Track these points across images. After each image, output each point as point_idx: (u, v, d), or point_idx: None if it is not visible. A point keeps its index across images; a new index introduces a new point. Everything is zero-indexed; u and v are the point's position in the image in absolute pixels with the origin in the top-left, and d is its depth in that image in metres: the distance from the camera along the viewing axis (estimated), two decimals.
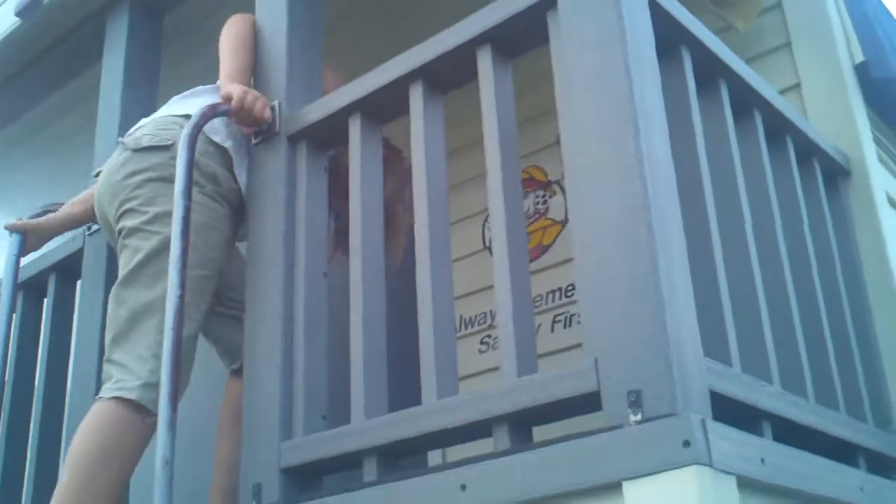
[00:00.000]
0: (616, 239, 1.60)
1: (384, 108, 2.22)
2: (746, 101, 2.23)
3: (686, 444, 1.39)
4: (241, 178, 2.39)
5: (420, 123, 2.06)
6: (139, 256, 2.20)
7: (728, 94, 2.14)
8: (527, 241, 1.91)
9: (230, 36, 2.48)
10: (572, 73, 1.78)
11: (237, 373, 2.46)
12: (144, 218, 2.23)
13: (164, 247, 2.15)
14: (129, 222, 2.25)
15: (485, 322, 3.58)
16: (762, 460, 1.55)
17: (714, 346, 1.72)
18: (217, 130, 2.37)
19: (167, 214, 2.16)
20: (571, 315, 3.34)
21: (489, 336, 3.55)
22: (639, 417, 1.46)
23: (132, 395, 2.07)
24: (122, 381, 2.09)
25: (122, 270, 2.23)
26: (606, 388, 1.53)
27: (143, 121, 2.44)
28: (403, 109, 2.14)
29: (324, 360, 2.14)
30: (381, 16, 3.63)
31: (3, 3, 3.63)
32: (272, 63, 2.48)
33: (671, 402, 1.44)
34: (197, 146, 2.20)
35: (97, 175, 2.53)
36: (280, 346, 2.12)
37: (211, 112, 2.25)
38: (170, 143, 2.28)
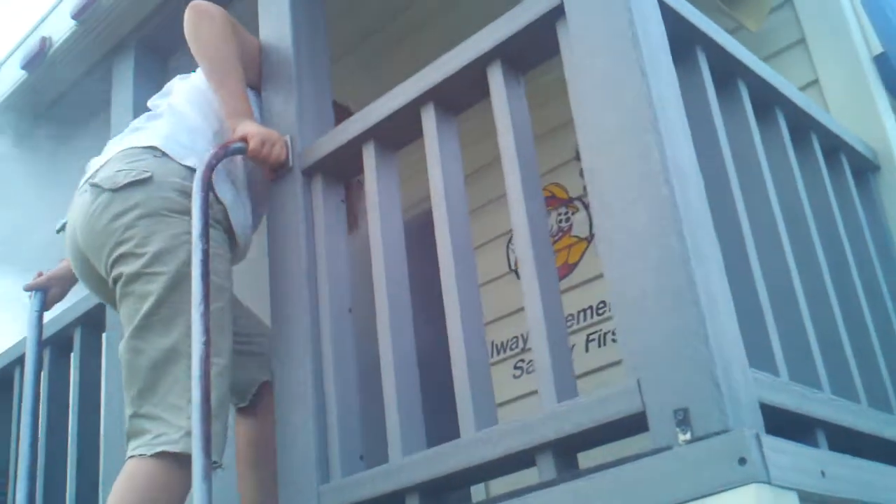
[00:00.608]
0: (647, 251, 1.54)
1: (397, 133, 2.18)
2: (767, 100, 2.17)
3: (742, 461, 1.32)
4: (224, 194, 2.27)
5: (435, 147, 2.02)
6: (149, 302, 2.07)
7: (748, 93, 2.08)
8: (554, 262, 1.86)
9: (212, 53, 2.35)
10: (587, 83, 1.73)
11: (246, 410, 2.39)
12: (144, 260, 2.09)
13: (171, 287, 2.07)
14: (127, 268, 2.10)
15: (517, 346, 3.51)
16: (822, 472, 1.47)
17: (758, 356, 1.65)
18: (188, 153, 2.24)
19: (166, 251, 2.09)
20: (605, 333, 3.27)
21: (522, 360, 3.49)
22: (688, 437, 1.40)
23: (177, 448, 1.95)
24: (162, 434, 1.98)
25: (132, 319, 2.09)
26: (652, 409, 1.46)
27: (100, 159, 2.27)
28: (417, 133, 2.10)
29: (356, 398, 2.09)
30: (388, 40, 3.61)
31: (8, 58, 3.64)
32: (281, 98, 2.44)
33: (721, 419, 1.37)
34: (173, 174, 2.16)
35: (62, 229, 2.36)
36: (311, 385, 2.07)
37: (223, 152, 2.20)
38: (148, 174, 2.15)
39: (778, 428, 1.48)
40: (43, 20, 3.41)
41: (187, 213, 2.10)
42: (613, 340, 3.24)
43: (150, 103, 2.45)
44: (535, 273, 1.74)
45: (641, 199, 1.57)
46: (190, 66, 2.48)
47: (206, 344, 1.94)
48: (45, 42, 3.33)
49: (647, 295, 1.53)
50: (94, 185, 2.19)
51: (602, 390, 1.55)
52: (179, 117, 2.32)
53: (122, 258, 2.12)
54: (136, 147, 2.24)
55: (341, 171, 2.31)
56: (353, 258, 2.28)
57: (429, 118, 2.04)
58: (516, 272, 3.67)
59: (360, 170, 2.20)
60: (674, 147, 1.60)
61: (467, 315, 1.85)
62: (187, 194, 2.13)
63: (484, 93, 1.97)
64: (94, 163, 2.29)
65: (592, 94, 1.70)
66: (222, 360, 2.09)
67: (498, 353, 3.55)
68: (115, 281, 2.13)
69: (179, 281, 2.07)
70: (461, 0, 3.30)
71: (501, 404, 3.24)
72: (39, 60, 3.37)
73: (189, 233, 2.06)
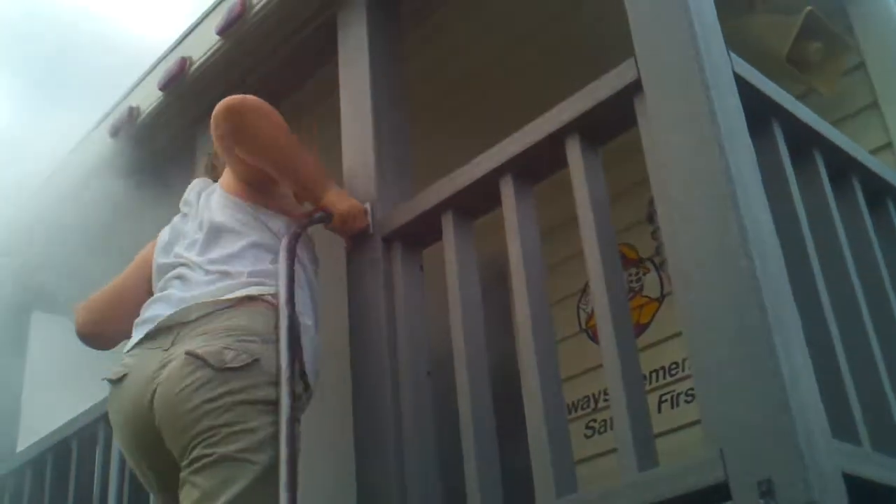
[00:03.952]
0: (728, 323, 1.57)
1: (476, 202, 2.24)
2: (843, 168, 2.19)
3: None
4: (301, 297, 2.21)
5: (513, 217, 2.07)
6: (233, 490, 1.92)
7: (823, 162, 2.10)
8: (632, 329, 1.89)
9: (282, 141, 2.27)
10: (665, 157, 1.77)
11: None
12: (236, 447, 1.95)
13: (261, 478, 1.94)
14: (216, 450, 1.95)
15: (589, 406, 3.52)
16: None
17: (839, 425, 1.66)
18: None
19: (261, 443, 1.96)
20: (678, 394, 3.27)
21: (594, 420, 3.50)
22: None
23: None
24: None
25: (211, 501, 1.93)
26: (735, 479, 1.48)
27: (186, 311, 2.13)
28: (495, 203, 2.15)
29: (436, 465, 2.12)
30: (462, 104, 3.69)
31: (97, 126, 3.79)
32: (361, 166, 2.53)
33: (806, 490, 1.39)
34: (268, 371, 2.04)
35: (118, 381, 2.15)
36: (392, 452, 2.11)
37: (308, 221, 2.29)
38: (256, 359, 2.04)
39: (861, 499, 1.48)
40: (132, 90, 3.56)
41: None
42: (686, 401, 3.24)
43: (189, 217, 2.39)
44: (614, 342, 1.77)
45: (721, 271, 1.60)
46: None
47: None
48: (133, 112, 3.48)
49: (729, 365, 1.55)
50: (195, 356, 2.02)
51: (683, 460, 1.57)
52: (264, 275, 2.20)
53: (211, 441, 1.96)
54: (245, 323, 2.09)
55: (420, 238, 2.38)
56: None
57: (507, 189, 2.10)
58: (587, 331, 3.70)
59: (439, 237, 2.27)
60: (753, 220, 1.63)
61: (546, 382, 1.89)
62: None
63: (561, 164, 2.02)
64: (174, 303, 2.16)
65: (671, 168, 1.74)
66: None
67: (570, 412, 3.56)
68: (194, 461, 1.97)
69: (269, 474, 1.94)
70: (535, 67, 3.36)
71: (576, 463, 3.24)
72: (128, 127, 3.51)
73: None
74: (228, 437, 1.95)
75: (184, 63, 3.25)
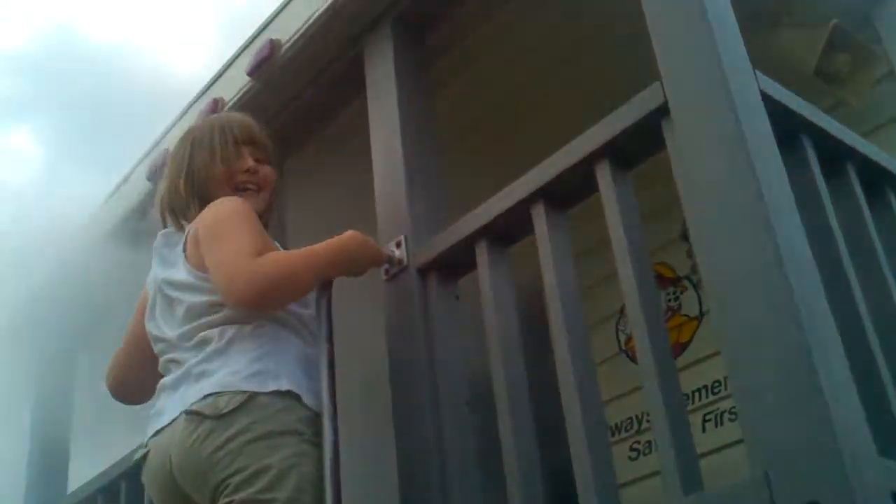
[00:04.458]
0: (767, 344, 1.56)
1: (508, 231, 2.25)
2: (876, 180, 2.18)
3: None
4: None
5: (547, 245, 2.08)
6: None
7: (856, 175, 2.09)
8: (671, 352, 1.88)
9: (302, 273, 2.15)
10: (695, 179, 1.78)
11: None
12: (255, 488, 1.94)
13: None
14: (237, 495, 1.95)
15: (632, 428, 3.51)
16: None
17: (886, 443, 1.64)
18: (277, 375, 2.07)
19: (277, 478, 1.95)
20: (722, 412, 3.25)
21: (638, 442, 3.48)
22: None
23: None
24: None
25: None
26: (780, 501, 1.47)
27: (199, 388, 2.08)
28: (528, 230, 2.16)
29: (480, 497, 2.13)
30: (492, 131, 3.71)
31: (134, 169, 3.85)
32: (394, 200, 2.55)
33: None
34: (267, 405, 2.02)
35: (142, 460, 2.18)
36: (437, 486, 2.12)
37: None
38: (251, 393, 2.02)
39: None
40: (167, 133, 3.62)
41: (295, 432, 2.02)
42: (731, 420, 3.22)
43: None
44: (653, 364, 1.76)
45: (758, 292, 1.60)
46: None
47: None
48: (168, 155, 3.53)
49: (769, 386, 1.54)
50: (193, 413, 2.03)
51: (729, 481, 1.57)
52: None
53: (230, 488, 1.96)
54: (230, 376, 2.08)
55: (454, 268, 2.39)
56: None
57: (539, 216, 2.11)
58: (626, 352, 3.69)
59: (474, 265, 2.28)
60: (786, 238, 1.63)
61: (587, 406, 1.89)
62: (291, 411, 2.05)
63: (592, 189, 2.03)
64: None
65: (702, 190, 1.75)
66: None
67: (613, 434, 3.55)
68: None
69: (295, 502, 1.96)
70: (561, 93, 3.39)
71: (620, 487, 3.23)
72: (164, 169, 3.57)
73: (298, 454, 2.00)
74: (244, 483, 1.95)
75: (215, 104, 3.30)
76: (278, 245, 2.31)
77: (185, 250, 2.24)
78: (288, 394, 2.04)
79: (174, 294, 2.22)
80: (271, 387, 2.03)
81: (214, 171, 2.33)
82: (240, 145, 2.37)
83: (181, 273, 2.22)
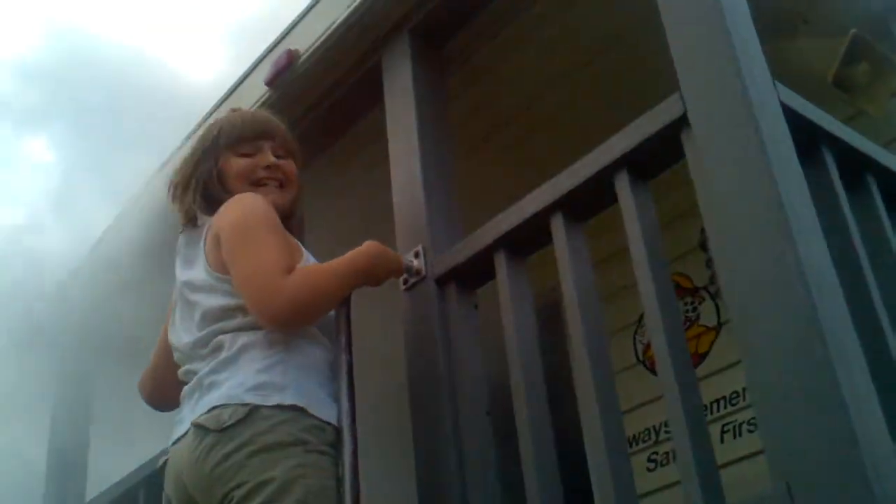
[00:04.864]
0: (788, 356, 1.56)
1: (527, 241, 2.25)
2: None
3: None
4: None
5: (565, 255, 2.08)
6: None
7: (877, 186, 2.08)
8: (691, 361, 1.88)
9: (331, 289, 2.15)
10: (715, 190, 1.77)
11: None
12: (260, 500, 1.92)
13: None
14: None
15: (650, 438, 3.50)
16: None
17: None
18: (282, 388, 2.03)
19: (281, 489, 1.91)
20: (740, 424, 3.24)
21: (656, 453, 3.46)
22: None
23: None
24: None
25: None
26: None
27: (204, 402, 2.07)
28: (546, 240, 2.16)
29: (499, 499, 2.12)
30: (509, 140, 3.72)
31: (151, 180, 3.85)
32: (412, 210, 2.56)
33: None
34: (269, 417, 1.98)
35: (163, 467, 2.19)
36: (457, 493, 2.11)
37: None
38: (254, 405, 2.00)
39: None
40: (185, 143, 3.63)
41: (299, 443, 1.98)
42: (749, 431, 3.20)
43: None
44: (673, 378, 1.76)
45: (778, 303, 1.59)
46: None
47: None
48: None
49: (791, 398, 1.54)
50: (198, 426, 2.03)
51: (749, 494, 1.56)
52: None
53: (233, 502, 1.95)
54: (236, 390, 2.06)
55: (473, 278, 2.39)
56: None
57: (558, 227, 2.11)
58: (644, 362, 3.67)
59: (492, 275, 2.28)
60: (807, 249, 1.62)
61: (607, 420, 1.88)
62: (295, 421, 2.01)
63: (611, 200, 2.03)
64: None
65: (722, 201, 1.75)
66: None
67: (631, 445, 3.54)
68: None
69: None
70: (578, 103, 3.39)
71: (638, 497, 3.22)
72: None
73: (303, 465, 1.96)
74: (247, 496, 1.93)
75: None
76: (300, 245, 2.30)
77: (204, 247, 2.23)
78: (291, 407, 2.01)
79: (193, 297, 2.22)
80: (275, 400, 2.00)
81: (234, 165, 2.33)
82: (260, 140, 2.37)
83: (200, 273, 2.22)
